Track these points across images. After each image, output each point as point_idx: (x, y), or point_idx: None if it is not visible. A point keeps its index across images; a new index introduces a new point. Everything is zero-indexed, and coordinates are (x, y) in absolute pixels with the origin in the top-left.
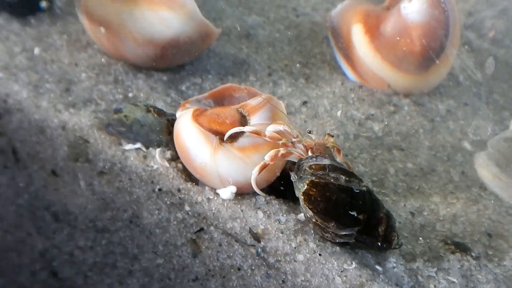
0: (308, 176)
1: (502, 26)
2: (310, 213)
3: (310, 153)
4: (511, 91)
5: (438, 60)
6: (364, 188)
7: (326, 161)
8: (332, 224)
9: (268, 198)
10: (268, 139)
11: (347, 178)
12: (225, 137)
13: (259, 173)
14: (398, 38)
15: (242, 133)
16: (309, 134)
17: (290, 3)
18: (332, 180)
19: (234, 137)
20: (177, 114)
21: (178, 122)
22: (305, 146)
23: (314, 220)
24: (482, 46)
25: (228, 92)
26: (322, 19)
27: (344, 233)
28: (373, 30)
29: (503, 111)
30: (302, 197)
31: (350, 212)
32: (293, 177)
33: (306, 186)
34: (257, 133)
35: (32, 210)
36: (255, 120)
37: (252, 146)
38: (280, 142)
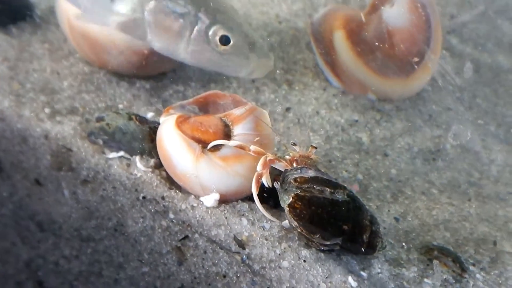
0: (294, 189)
1: (484, 30)
2: (295, 223)
3: (295, 165)
4: (493, 95)
5: (420, 65)
6: (348, 199)
7: (311, 173)
8: (317, 235)
9: (271, 220)
10: (253, 154)
11: (332, 190)
12: (208, 147)
13: (257, 187)
14: (380, 43)
15: None
16: (293, 146)
17: (272, 10)
18: (317, 194)
19: (217, 146)
20: (161, 120)
21: (161, 128)
22: (289, 160)
23: (299, 230)
24: (465, 51)
25: (213, 99)
26: (304, 25)
27: (329, 243)
28: (354, 35)
29: (486, 115)
30: (288, 208)
31: (335, 223)
32: (278, 187)
33: (291, 199)
34: (241, 147)
35: (17, 220)
36: (239, 130)
37: (235, 156)
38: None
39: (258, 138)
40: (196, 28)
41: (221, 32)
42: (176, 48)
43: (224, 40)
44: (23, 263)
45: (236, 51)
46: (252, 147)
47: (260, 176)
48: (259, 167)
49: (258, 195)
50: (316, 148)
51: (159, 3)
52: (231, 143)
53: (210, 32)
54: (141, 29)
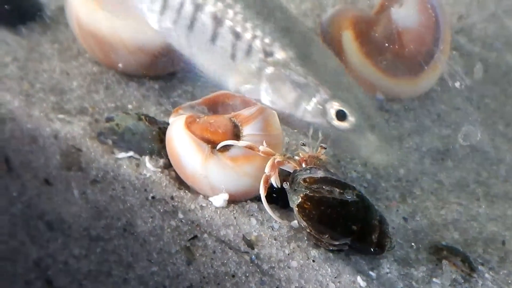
0: (303, 190)
1: (493, 30)
2: (304, 223)
3: (304, 165)
4: (502, 94)
5: (428, 65)
6: (357, 199)
7: (320, 174)
8: (327, 236)
9: (278, 221)
10: (262, 154)
11: (341, 190)
12: (217, 147)
13: (265, 189)
14: (389, 43)
15: None
16: (303, 147)
17: None
18: (326, 194)
19: (226, 147)
20: (170, 120)
21: (171, 129)
22: (298, 160)
23: (308, 231)
24: (474, 50)
25: (222, 99)
26: (313, 25)
27: (338, 243)
28: (363, 36)
29: (495, 114)
30: (297, 209)
31: (344, 223)
32: (287, 188)
33: (300, 199)
34: (250, 148)
35: (26, 219)
36: (248, 131)
37: (244, 156)
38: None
39: (267, 138)
40: (313, 99)
41: (339, 107)
42: (290, 116)
43: (341, 115)
44: (32, 262)
45: (353, 128)
46: (261, 148)
47: (268, 178)
48: (267, 169)
49: (266, 195)
50: (325, 148)
51: (278, 70)
52: (240, 143)
53: (328, 105)
54: (257, 92)
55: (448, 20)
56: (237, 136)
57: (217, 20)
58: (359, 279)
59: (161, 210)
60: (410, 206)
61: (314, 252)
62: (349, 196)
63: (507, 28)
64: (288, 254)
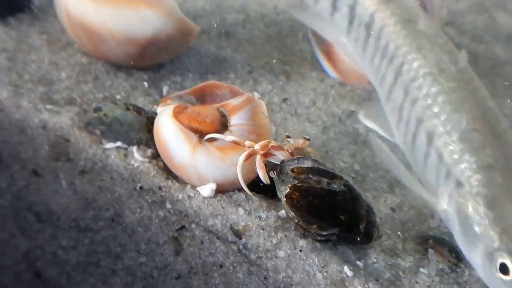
0: (291, 180)
1: (482, 22)
2: (292, 214)
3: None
4: (491, 86)
5: None
6: (344, 189)
7: (308, 164)
8: (315, 226)
9: (251, 193)
10: (248, 149)
11: (329, 180)
12: (205, 139)
13: (245, 160)
14: None
15: (222, 132)
16: (287, 139)
17: (270, 1)
18: (314, 184)
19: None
20: (158, 110)
21: (158, 119)
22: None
23: (296, 221)
24: (463, 42)
25: (210, 89)
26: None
27: (326, 233)
28: None
29: None
30: (284, 199)
31: (332, 213)
32: (275, 178)
33: (288, 190)
34: (236, 143)
35: (15, 211)
36: (235, 120)
37: (232, 146)
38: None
39: (255, 128)
40: (485, 242)
41: (503, 260)
42: (467, 251)
43: (504, 269)
44: (21, 254)
45: None
46: (248, 143)
47: (254, 153)
48: (257, 146)
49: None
50: (309, 140)
51: (462, 204)
52: (227, 138)
53: (496, 254)
54: (452, 220)
55: (437, 12)
56: (224, 125)
57: (429, 137)
58: (346, 268)
59: (149, 201)
60: (398, 197)
61: (301, 242)
62: (336, 186)
63: (496, 20)
64: (276, 244)
